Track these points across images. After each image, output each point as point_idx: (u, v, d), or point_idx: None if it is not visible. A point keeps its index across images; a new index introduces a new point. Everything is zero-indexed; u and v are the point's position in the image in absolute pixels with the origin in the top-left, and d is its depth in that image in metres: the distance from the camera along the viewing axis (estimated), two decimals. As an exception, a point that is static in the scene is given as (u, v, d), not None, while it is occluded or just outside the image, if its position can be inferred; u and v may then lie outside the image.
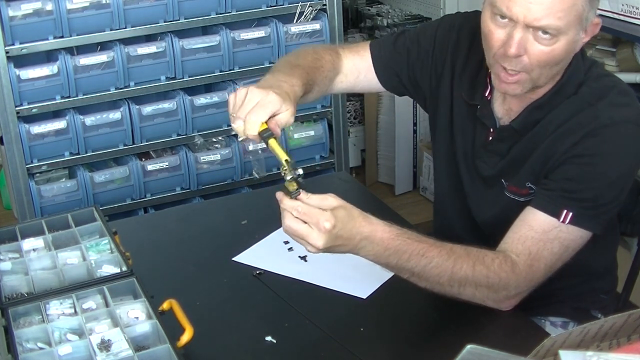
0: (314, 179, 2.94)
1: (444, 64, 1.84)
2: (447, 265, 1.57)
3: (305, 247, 1.51)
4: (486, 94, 1.75)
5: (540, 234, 1.60)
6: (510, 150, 1.72)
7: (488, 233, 1.77)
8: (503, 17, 1.56)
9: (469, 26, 1.80)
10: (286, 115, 1.56)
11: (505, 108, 1.74)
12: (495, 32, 1.59)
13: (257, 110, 1.53)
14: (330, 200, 1.51)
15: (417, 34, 1.90)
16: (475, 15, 1.72)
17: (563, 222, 1.60)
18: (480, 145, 1.77)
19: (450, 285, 1.58)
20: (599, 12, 1.61)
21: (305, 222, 1.49)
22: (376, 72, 1.91)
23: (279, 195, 1.52)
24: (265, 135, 1.54)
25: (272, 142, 1.54)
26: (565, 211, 1.60)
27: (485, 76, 1.75)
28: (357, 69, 1.91)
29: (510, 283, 1.59)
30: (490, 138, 1.75)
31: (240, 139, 1.57)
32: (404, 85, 1.92)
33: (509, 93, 1.64)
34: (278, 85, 1.62)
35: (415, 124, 3.95)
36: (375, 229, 1.54)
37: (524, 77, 1.60)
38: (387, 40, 1.93)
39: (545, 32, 1.54)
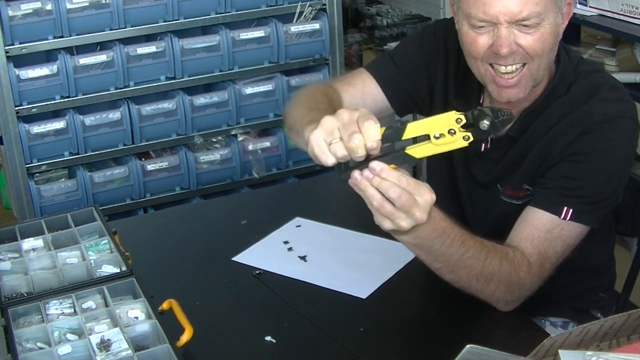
0: (314, 179, 2.94)
1: (436, 74, 1.82)
2: (480, 257, 1.53)
3: (399, 222, 1.37)
4: (480, 102, 1.74)
5: (545, 233, 1.60)
6: (505, 156, 1.72)
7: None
8: (482, 23, 1.56)
9: (454, 31, 1.72)
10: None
11: None
12: (479, 39, 1.58)
13: (367, 117, 1.35)
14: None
15: (404, 47, 1.87)
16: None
17: (564, 219, 1.60)
18: (474, 153, 1.76)
19: (477, 280, 1.55)
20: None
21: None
22: (386, 95, 1.85)
23: (377, 164, 1.37)
24: (391, 130, 1.36)
25: (413, 125, 1.37)
26: (565, 208, 1.60)
27: (475, 84, 1.73)
28: (355, 100, 1.84)
29: (526, 283, 1.58)
30: (484, 147, 1.74)
31: (358, 158, 1.35)
32: (414, 101, 1.87)
33: (511, 99, 1.62)
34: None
35: (414, 124, 3.94)
36: (432, 206, 1.43)
37: (525, 74, 1.59)
38: (385, 61, 1.88)
39: (527, 22, 1.54)
